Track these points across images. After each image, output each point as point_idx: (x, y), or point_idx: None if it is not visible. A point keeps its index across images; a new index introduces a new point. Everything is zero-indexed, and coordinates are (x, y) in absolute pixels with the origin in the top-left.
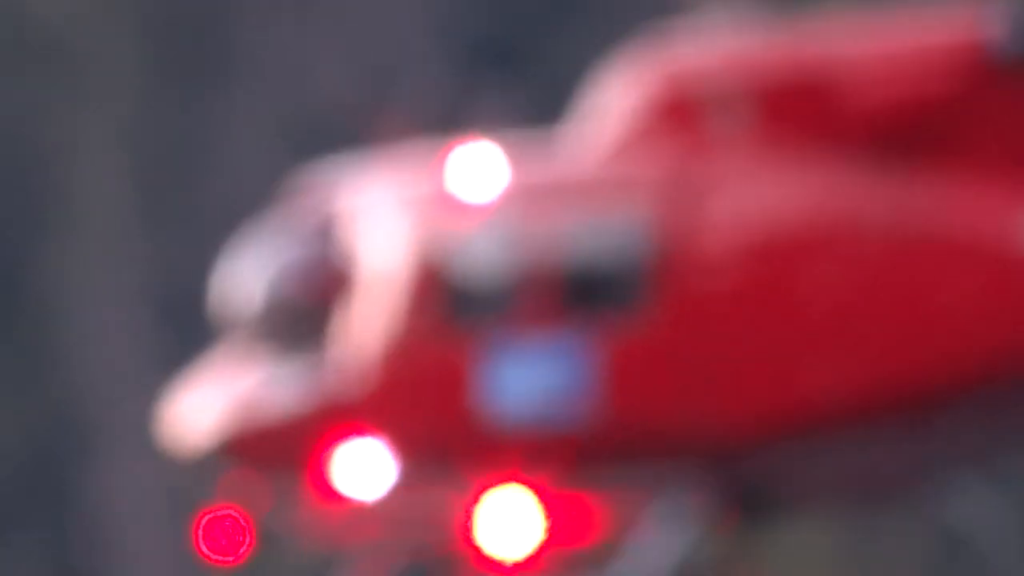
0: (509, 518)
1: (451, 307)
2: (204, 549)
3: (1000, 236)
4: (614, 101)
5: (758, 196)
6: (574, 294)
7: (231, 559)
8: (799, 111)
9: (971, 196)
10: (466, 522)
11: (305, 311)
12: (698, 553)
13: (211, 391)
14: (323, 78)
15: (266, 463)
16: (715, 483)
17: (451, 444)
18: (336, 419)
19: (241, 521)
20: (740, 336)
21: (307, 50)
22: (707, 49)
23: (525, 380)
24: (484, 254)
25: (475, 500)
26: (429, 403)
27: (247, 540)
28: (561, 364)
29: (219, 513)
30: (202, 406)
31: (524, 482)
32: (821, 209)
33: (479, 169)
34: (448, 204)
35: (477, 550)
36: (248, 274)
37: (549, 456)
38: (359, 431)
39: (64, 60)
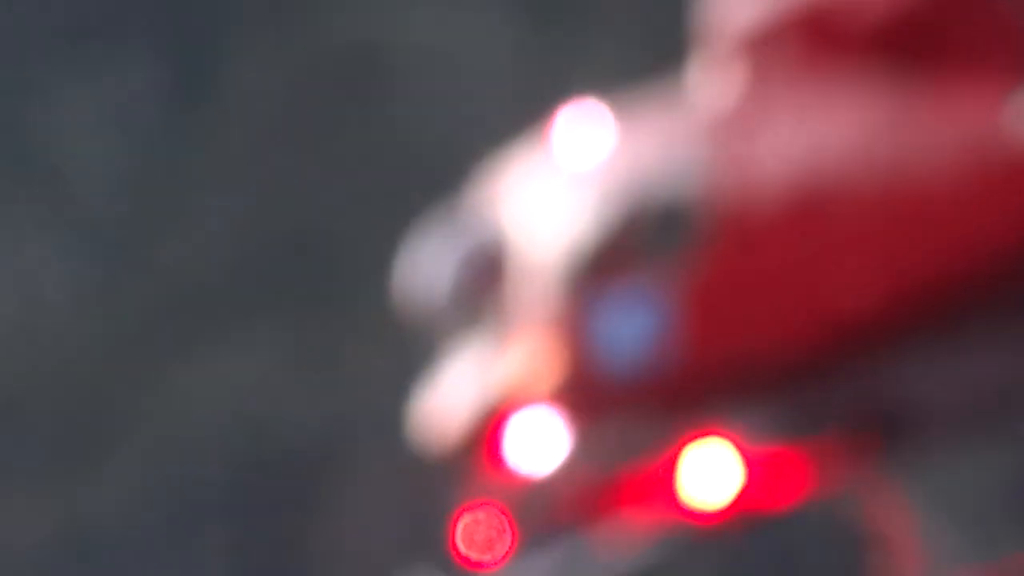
0: (708, 471)
1: (571, 270)
2: (463, 551)
3: (992, 123)
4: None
5: (796, 122)
6: (653, 236)
7: (492, 560)
8: (820, 35)
9: (965, 89)
10: (666, 475)
11: (486, 297)
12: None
13: (447, 387)
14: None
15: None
16: (847, 418)
17: (584, 392)
18: (510, 397)
19: (501, 518)
20: (795, 256)
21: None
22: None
23: (622, 323)
24: (590, 214)
25: (676, 454)
26: (568, 365)
27: (508, 538)
28: (646, 304)
29: (477, 511)
30: (444, 404)
31: (723, 435)
32: (848, 128)
33: (584, 131)
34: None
35: (677, 503)
36: (431, 266)
37: (648, 397)
38: (531, 403)
39: None
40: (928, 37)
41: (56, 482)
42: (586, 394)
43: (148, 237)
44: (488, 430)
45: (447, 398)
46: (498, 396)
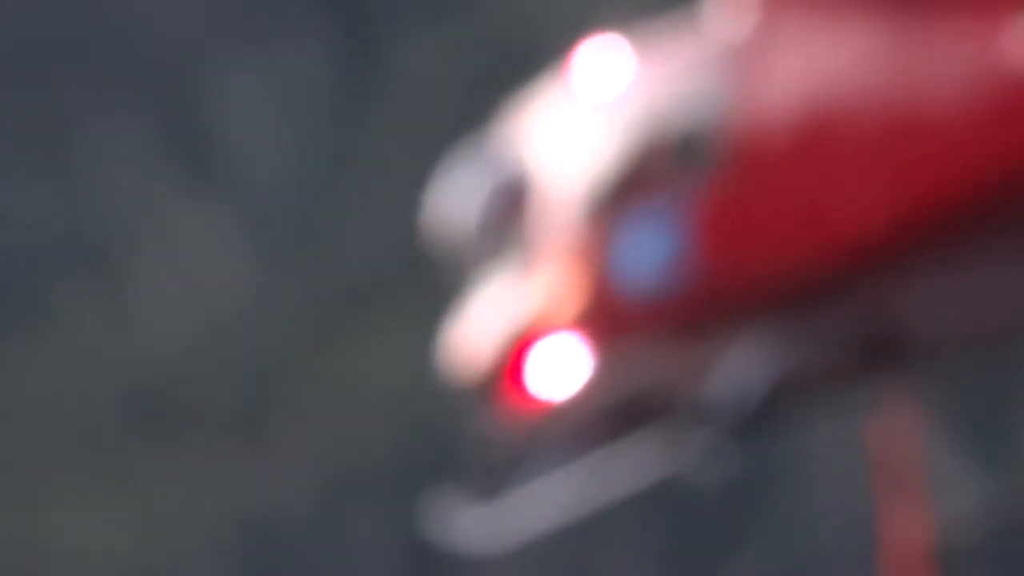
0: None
1: (598, 197)
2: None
3: (993, 47)
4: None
5: (805, 51)
6: (670, 161)
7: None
8: None
9: (966, 14)
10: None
11: (508, 230)
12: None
13: (475, 317)
14: None
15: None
16: (849, 335)
17: (605, 316)
18: (534, 326)
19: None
20: (806, 179)
21: None
22: None
23: (644, 244)
24: (611, 143)
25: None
26: (589, 291)
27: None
28: (664, 228)
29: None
30: (473, 333)
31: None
32: (854, 56)
33: (605, 65)
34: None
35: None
36: (459, 202)
37: (666, 319)
38: (553, 332)
39: None
40: None
41: (225, 468)
42: (607, 318)
43: (316, 226)
44: (514, 357)
45: (475, 327)
46: (523, 324)
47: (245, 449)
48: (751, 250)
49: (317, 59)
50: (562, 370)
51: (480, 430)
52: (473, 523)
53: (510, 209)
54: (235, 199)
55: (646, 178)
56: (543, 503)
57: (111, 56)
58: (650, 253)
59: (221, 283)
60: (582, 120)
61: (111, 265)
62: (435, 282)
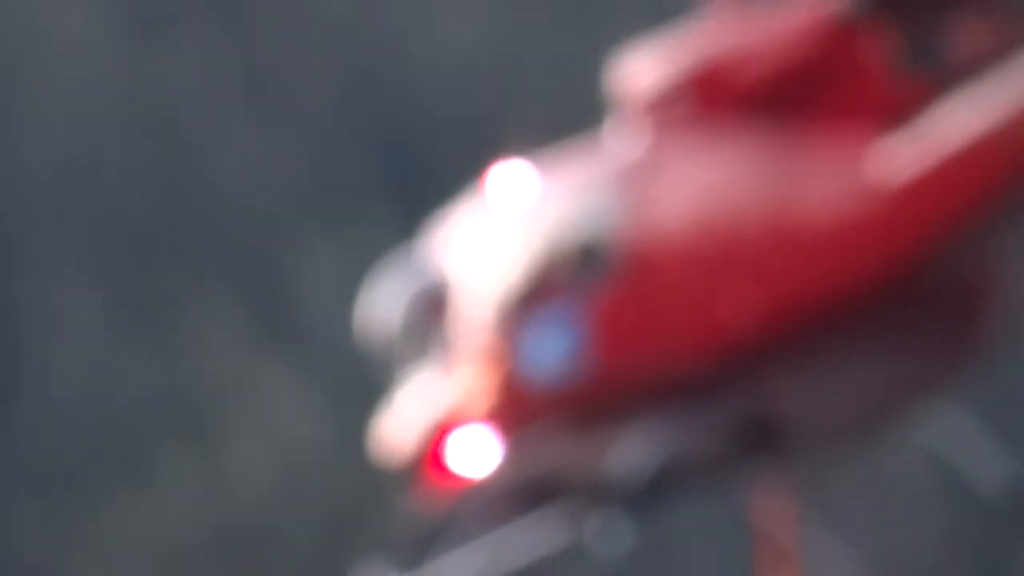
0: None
1: (508, 300)
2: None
3: (859, 165)
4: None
5: (691, 168)
6: (569, 270)
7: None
8: (710, 94)
9: (835, 135)
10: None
11: (430, 331)
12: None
13: (400, 409)
14: None
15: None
16: (732, 431)
17: (513, 405)
18: (452, 416)
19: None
20: (691, 283)
21: None
22: (651, 59)
23: (547, 341)
24: (519, 253)
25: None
26: (499, 384)
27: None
28: (565, 328)
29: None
30: (398, 423)
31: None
32: (736, 171)
33: (513, 184)
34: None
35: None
36: (386, 306)
37: (566, 408)
38: (468, 422)
39: None
40: (803, 92)
41: None
42: (515, 408)
43: (384, 384)
44: (434, 444)
45: (400, 419)
46: (442, 414)
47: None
48: (642, 346)
49: (384, 237)
50: (476, 454)
51: (405, 506)
52: None
53: (431, 312)
54: (313, 361)
55: (550, 283)
56: (459, 571)
57: (204, 236)
58: (553, 350)
59: (301, 434)
60: (494, 233)
61: (204, 422)
62: None
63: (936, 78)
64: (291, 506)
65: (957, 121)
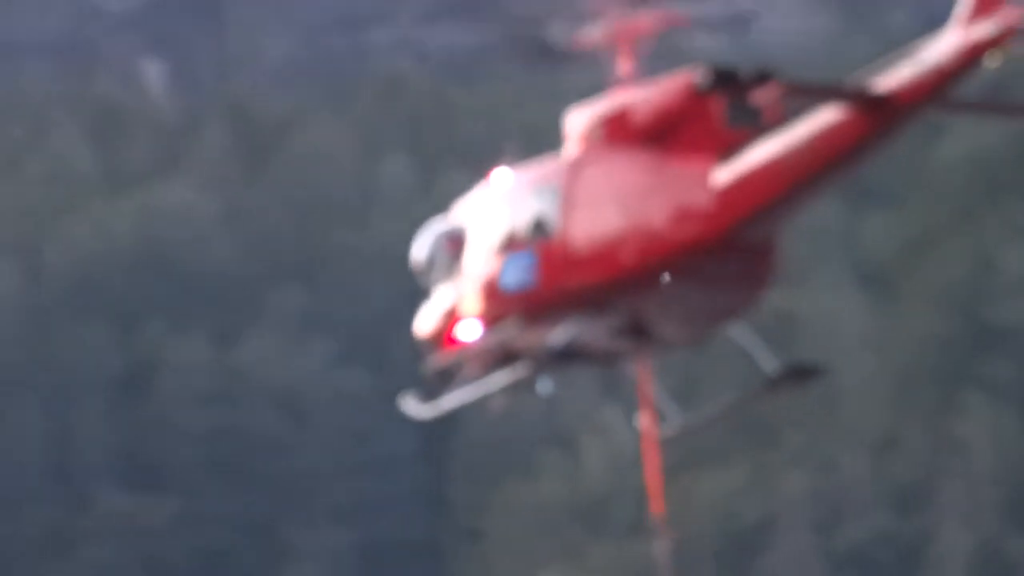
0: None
1: (491, 247)
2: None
3: (693, 181)
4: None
5: (602, 173)
6: (528, 231)
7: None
8: (615, 129)
9: (688, 157)
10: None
11: (450, 260)
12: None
13: (430, 307)
14: None
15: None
16: (620, 327)
17: (492, 307)
18: (458, 309)
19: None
20: (591, 240)
21: None
22: (584, 110)
23: (515, 271)
24: (504, 219)
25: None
26: (484, 295)
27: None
28: (526, 263)
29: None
30: (428, 315)
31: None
32: (628, 175)
33: (504, 177)
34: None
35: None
36: (425, 242)
37: (521, 309)
38: (467, 314)
39: None
40: (670, 131)
41: None
42: (494, 306)
43: None
44: (448, 325)
45: (431, 311)
46: (452, 310)
47: None
48: (566, 276)
49: None
50: (470, 332)
51: (431, 360)
52: (424, 407)
53: (451, 248)
54: None
55: (516, 238)
56: (458, 398)
57: None
58: (516, 276)
59: None
60: (491, 205)
61: None
62: None
63: (749, 129)
64: None
65: (759, 152)
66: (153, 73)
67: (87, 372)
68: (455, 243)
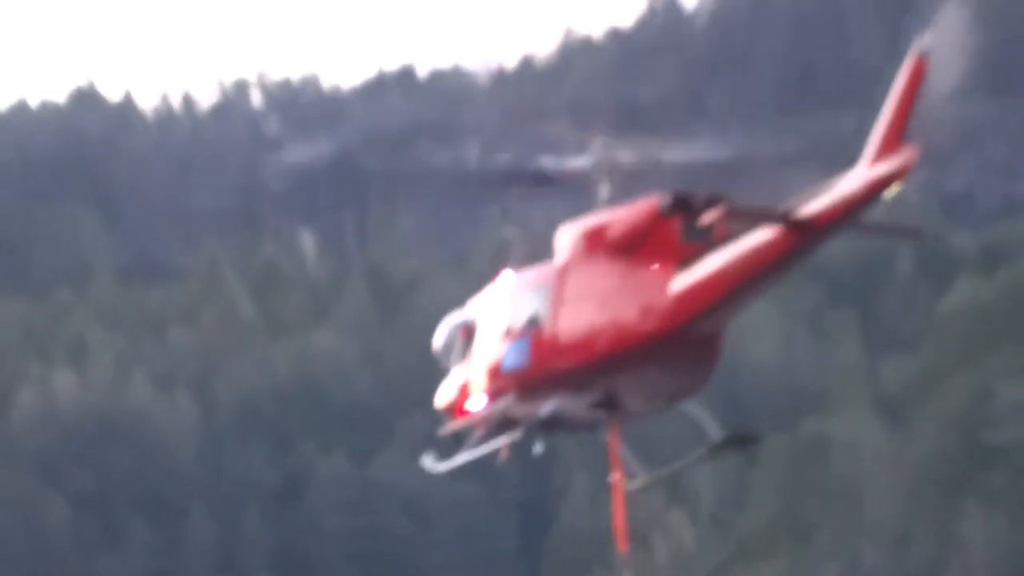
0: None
1: (496, 335)
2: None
3: (655, 285)
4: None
5: (582, 279)
6: (524, 324)
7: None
8: (592, 243)
9: (651, 267)
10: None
11: (463, 345)
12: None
13: (448, 383)
14: None
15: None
16: (594, 398)
17: (495, 384)
18: (469, 387)
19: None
20: (574, 331)
21: None
22: (570, 228)
23: (513, 355)
24: (505, 313)
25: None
26: (489, 374)
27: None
28: (522, 348)
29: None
30: (446, 390)
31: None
32: (603, 279)
33: (507, 279)
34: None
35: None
36: (446, 330)
37: (517, 386)
38: (475, 389)
39: None
40: (636, 245)
41: None
42: (496, 383)
43: None
44: (460, 398)
45: (447, 386)
46: (463, 386)
47: None
48: (555, 359)
49: None
50: (477, 404)
51: (446, 426)
52: (438, 463)
53: (466, 336)
54: None
55: (517, 328)
56: (467, 456)
57: None
58: (516, 357)
59: None
60: (496, 301)
61: None
62: None
63: (702, 243)
64: None
65: (709, 262)
66: (307, 240)
67: (251, 485)
68: (468, 332)
